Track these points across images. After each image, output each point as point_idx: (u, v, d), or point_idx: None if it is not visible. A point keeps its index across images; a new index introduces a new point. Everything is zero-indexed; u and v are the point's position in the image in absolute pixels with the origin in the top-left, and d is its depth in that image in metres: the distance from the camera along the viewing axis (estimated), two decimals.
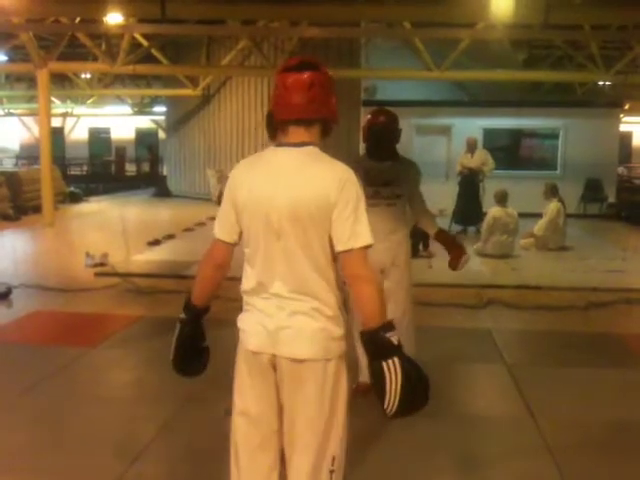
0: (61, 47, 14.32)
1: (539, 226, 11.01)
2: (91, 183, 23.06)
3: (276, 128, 2.49)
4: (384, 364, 2.20)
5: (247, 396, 2.45)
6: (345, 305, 2.44)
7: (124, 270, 8.85)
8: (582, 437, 4.21)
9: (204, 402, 4.74)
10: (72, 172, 26.08)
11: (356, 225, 2.27)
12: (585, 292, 7.94)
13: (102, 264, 9.23)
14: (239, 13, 12.97)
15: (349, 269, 2.28)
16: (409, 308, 4.67)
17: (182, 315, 2.64)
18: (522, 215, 10.71)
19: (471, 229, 12.47)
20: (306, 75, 2.33)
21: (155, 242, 11.29)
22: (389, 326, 2.23)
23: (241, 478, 2.47)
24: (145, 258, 10.08)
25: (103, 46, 15.33)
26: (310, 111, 2.35)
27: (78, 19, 13.42)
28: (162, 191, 20.68)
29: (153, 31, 14.10)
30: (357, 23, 14.21)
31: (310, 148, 2.36)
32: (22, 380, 5.01)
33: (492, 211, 10.49)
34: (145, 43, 15.61)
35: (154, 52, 16.31)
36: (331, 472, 2.37)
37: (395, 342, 2.22)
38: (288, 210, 2.29)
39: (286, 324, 2.33)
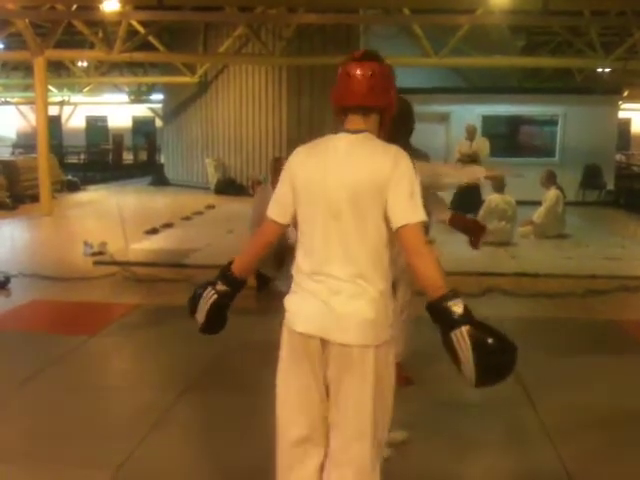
0: (58, 35, 14.24)
1: (538, 214, 11.00)
2: (88, 171, 22.96)
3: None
4: (452, 336, 2.19)
5: (290, 383, 2.47)
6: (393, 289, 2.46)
7: (122, 259, 8.83)
8: (581, 423, 4.22)
9: (204, 389, 4.75)
10: (69, 160, 25.98)
11: (411, 201, 2.30)
12: (584, 279, 7.95)
13: (100, 253, 9.22)
14: None
15: (406, 244, 2.30)
16: (408, 303, 4.60)
17: (220, 285, 2.61)
18: (521, 203, 10.69)
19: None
20: (368, 64, 2.41)
21: (153, 231, 11.28)
22: (451, 295, 2.23)
23: (282, 473, 2.52)
24: (143, 247, 10.06)
25: (100, 33, 15.23)
26: (369, 99, 2.41)
27: (74, 6, 13.33)
28: (159, 180, 20.63)
29: (150, 18, 14.01)
30: (355, 10, 14.15)
31: (366, 134, 2.42)
32: (22, 369, 5.01)
33: (490, 198, 10.49)
34: (142, 30, 15.51)
35: (151, 39, 16.22)
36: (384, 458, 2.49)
37: (459, 310, 2.20)
38: (347, 190, 2.33)
39: (339, 309, 2.35)
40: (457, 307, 2.20)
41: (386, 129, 2.55)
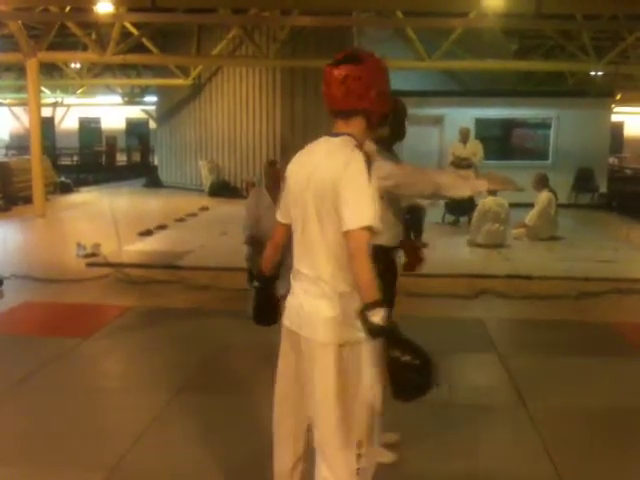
0: (51, 36, 14.21)
1: (530, 216, 11.04)
2: (81, 173, 22.91)
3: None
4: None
5: (280, 368, 2.65)
6: None
7: (116, 260, 8.81)
8: (573, 425, 4.24)
9: (197, 390, 4.75)
10: (62, 162, 25.91)
11: (356, 206, 2.30)
12: (577, 282, 7.97)
13: (93, 254, 9.20)
14: (230, 1, 12.92)
15: (348, 249, 2.31)
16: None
17: (256, 284, 2.87)
18: (514, 205, 10.72)
19: (463, 219, 12.48)
20: (340, 69, 2.41)
21: (147, 232, 11.26)
22: (371, 305, 2.19)
23: (274, 447, 2.71)
24: (136, 248, 10.04)
25: (93, 35, 15.21)
26: (344, 103, 2.45)
27: (68, 8, 13.30)
28: (153, 181, 20.60)
29: (143, 20, 14.01)
30: (349, 12, 14.16)
31: (343, 137, 2.46)
32: (15, 371, 4.99)
33: (483, 201, 10.51)
34: (135, 32, 15.50)
35: (144, 41, 16.20)
36: (358, 456, 2.46)
37: (376, 321, 2.16)
38: (311, 193, 2.43)
39: (307, 306, 2.47)
40: (375, 317, 2.18)
41: (374, 130, 2.59)
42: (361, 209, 2.29)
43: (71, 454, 3.79)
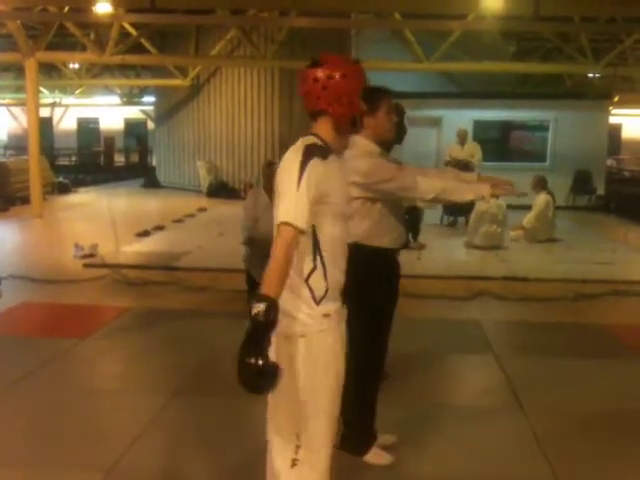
0: (49, 36, 14.20)
1: (528, 218, 11.05)
2: (79, 173, 22.88)
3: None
4: None
5: None
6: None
7: (113, 261, 8.82)
8: (570, 427, 4.25)
9: (194, 392, 4.75)
10: (60, 162, 25.88)
11: (280, 203, 2.34)
12: (574, 284, 7.98)
13: (91, 255, 9.19)
14: (228, 2, 12.92)
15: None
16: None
17: None
18: (511, 207, 10.72)
19: (461, 219, 12.50)
20: (306, 72, 2.50)
21: (144, 233, 11.25)
22: (260, 298, 2.20)
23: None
24: (134, 249, 10.04)
25: (92, 36, 15.22)
26: (306, 103, 2.54)
27: (67, 8, 13.30)
28: (151, 182, 20.59)
29: (142, 20, 14.02)
30: (347, 13, 14.18)
31: (306, 137, 2.51)
32: (12, 371, 4.98)
33: (480, 202, 10.51)
34: (134, 33, 15.50)
35: (143, 42, 16.21)
36: (297, 447, 2.46)
37: (254, 313, 2.18)
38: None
39: None
40: (255, 309, 2.19)
41: (346, 131, 2.58)
42: (283, 206, 2.32)
43: (68, 455, 3.79)
